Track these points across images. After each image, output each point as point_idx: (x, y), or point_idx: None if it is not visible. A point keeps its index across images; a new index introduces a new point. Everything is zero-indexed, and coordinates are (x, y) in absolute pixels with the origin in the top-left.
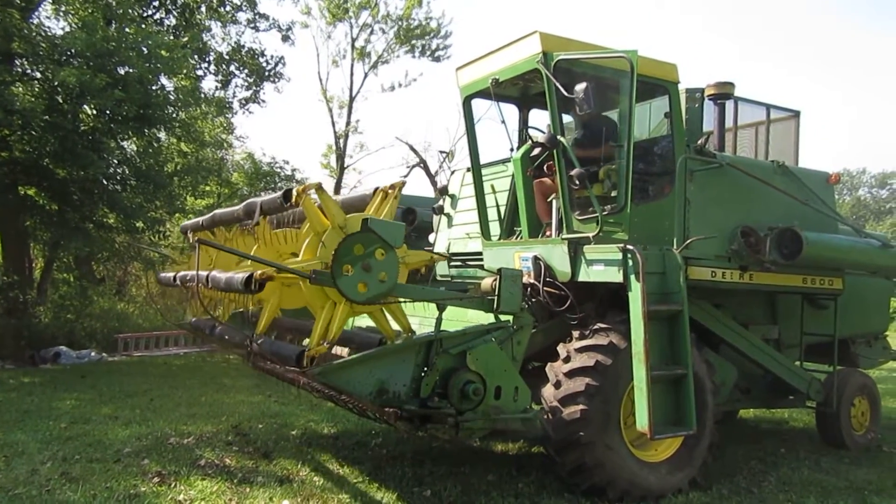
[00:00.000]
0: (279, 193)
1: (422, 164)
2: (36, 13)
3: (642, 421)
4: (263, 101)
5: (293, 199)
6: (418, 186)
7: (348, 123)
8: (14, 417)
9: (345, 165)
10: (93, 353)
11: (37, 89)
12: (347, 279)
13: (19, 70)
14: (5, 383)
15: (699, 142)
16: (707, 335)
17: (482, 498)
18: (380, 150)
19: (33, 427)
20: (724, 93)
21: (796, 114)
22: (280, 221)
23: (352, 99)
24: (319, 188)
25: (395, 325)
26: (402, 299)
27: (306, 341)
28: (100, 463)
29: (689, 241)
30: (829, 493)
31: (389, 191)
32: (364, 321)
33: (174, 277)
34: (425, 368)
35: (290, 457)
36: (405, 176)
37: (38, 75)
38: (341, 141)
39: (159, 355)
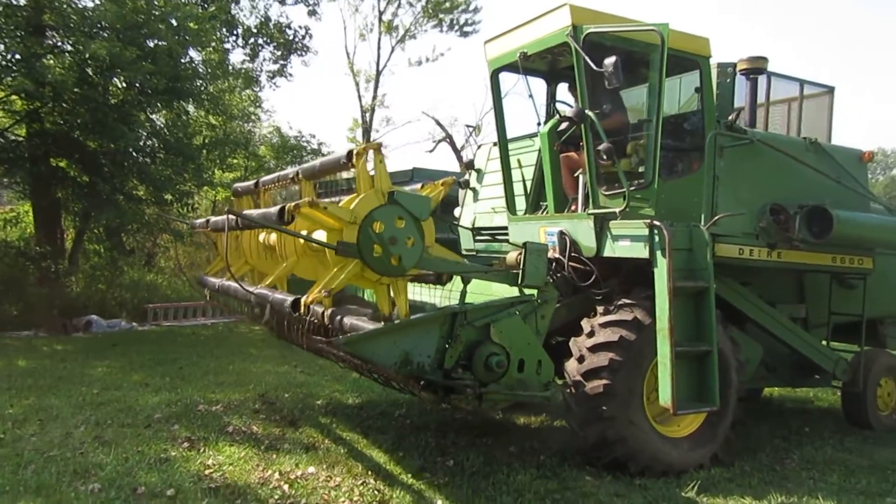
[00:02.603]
0: (341, 153)
1: (448, 139)
2: None
3: (665, 396)
4: (290, 75)
5: (353, 158)
6: (444, 161)
7: (375, 97)
8: (48, 383)
9: (371, 140)
10: (123, 323)
11: (68, 62)
12: (371, 244)
13: (50, 42)
14: (39, 350)
15: (730, 117)
16: (733, 313)
17: (504, 469)
18: (406, 124)
19: (67, 392)
20: (756, 67)
21: (830, 90)
22: (323, 194)
23: (378, 73)
24: (378, 150)
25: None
26: (426, 271)
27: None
28: (131, 428)
29: (716, 218)
30: (851, 472)
31: (441, 186)
32: None
33: (206, 222)
34: (449, 340)
35: (316, 425)
36: (431, 150)
37: (69, 48)
38: (367, 115)
39: (187, 325)
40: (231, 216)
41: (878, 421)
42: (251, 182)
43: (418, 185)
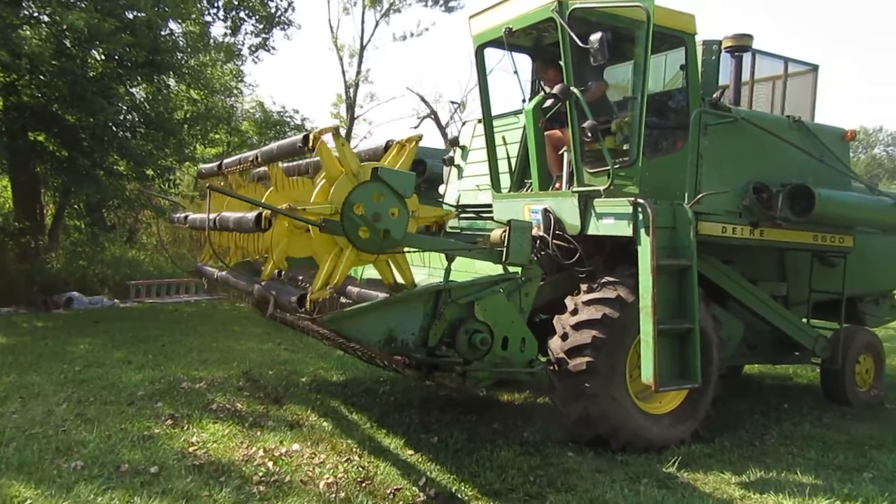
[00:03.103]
0: (297, 137)
1: (432, 116)
2: None
3: (647, 374)
4: (273, 49)
5: (310, 143)
6: (429, 138)
7: (359, 73)
8: (29, 360)
9: (355, 115)
10: (105, 299)
11: (44, 33)
12: (357, 228)
13: (26, 13)
14: (19, 327)
15: (714, 95)
16: (715, 290)
17: (487, 446)
18: (390, 100)
19: (48, 370)
20: (741, 45)
21: (815, 68)
22: (293, 171)
23: (362, 48)
24: (336, 133)
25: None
26: (411, 249)
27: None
28: (114, 405)
29: (700, 196)
30: (829, 448)
31: (406, 144)
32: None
33: (184, 218)
34: (433, 318)
35: (300, 402)
36: (416, 127)
37: (46, 18)
38: (351, 90)
39: (170, 302)
40: (215, 211)
41: (855, 397)
42: (214, 164)
43: (381, 144)
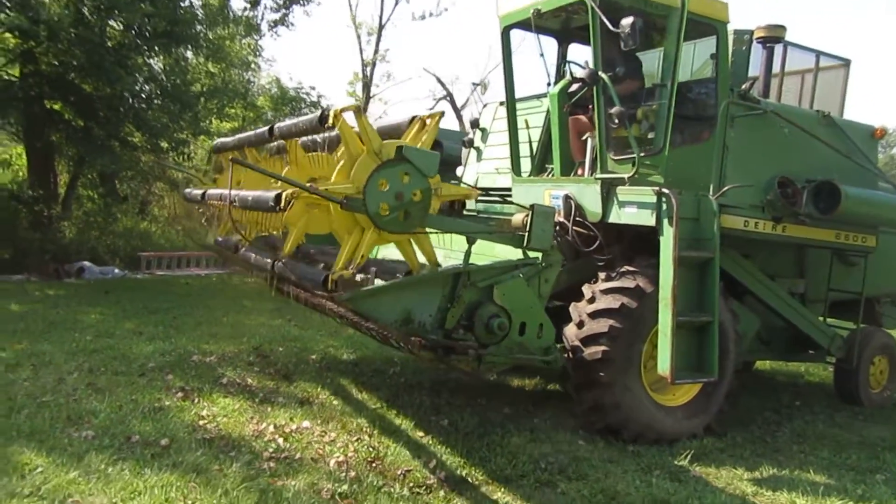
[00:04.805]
0: (315, 114)
1: (448, 97)
2: None
3: (664, 365)
4: (292, 25)
5: (329, 122)
6: (444, 119)
7: (376, 51)
8: (41, 328)
9: (371, 95)
10: (116, 270)
11: (64, 0)
12: (379, 206)
13: None
14: (31, 295)
15: (744, 86)
16: (733, 284)
17: (498, 430)
18: (407, 80)
19: (59, 338)
20: (773, 36)
21: (847, 62)
22: (311, 147)
23: (381, 26)
24: (357, 111)
25: (420, 258)
26: (432, 230)
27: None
28: (125, 376)
29: (725, 189)
30: (842, 448)
31: (428, 120)
32: (390, 252)
33: (201, 195)
34: (451, 300)
35: (310, 380)
36: (431, 108)
37: None
38: (368, 69)
39: (181, 275)
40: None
41: (868, 398)
42: (231, 138)
43: (405, 119)
